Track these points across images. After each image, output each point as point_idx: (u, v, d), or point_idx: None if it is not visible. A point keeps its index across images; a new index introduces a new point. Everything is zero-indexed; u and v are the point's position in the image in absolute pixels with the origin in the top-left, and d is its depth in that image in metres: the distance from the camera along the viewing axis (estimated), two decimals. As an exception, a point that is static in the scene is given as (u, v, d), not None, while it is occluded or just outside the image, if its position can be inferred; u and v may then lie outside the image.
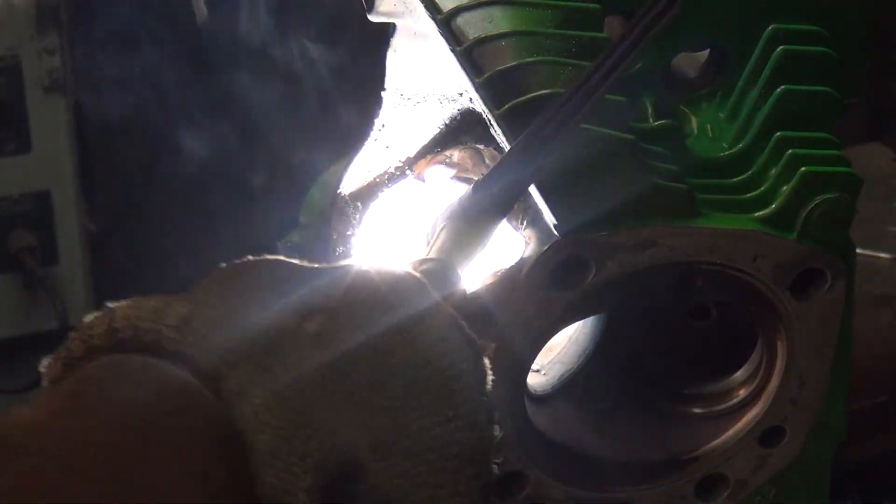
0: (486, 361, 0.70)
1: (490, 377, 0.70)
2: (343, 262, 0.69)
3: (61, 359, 0.60)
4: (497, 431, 0.70)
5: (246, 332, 0.59)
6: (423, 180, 0.98)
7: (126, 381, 0.56)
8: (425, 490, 0.62)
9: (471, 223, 0.77)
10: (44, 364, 0.60)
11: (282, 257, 0.66)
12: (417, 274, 0.70)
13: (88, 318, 0.60)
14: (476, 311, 0.84)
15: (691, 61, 0.97)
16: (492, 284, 0.89)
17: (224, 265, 0.65)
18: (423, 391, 0.64)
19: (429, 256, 0.77)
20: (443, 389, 0.65)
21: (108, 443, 0.53)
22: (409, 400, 0.63)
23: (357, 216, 0.98)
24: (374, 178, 0.99)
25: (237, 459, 0.55)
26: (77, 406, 0.55)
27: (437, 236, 0.78)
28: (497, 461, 0.70)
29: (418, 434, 0.63)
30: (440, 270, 0.74)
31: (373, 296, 0.66)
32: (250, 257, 0.66)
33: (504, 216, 0.78)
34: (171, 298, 0.60)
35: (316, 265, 0.67)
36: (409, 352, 0.65)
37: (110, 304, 0.60)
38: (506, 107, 0.86)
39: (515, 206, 0.91)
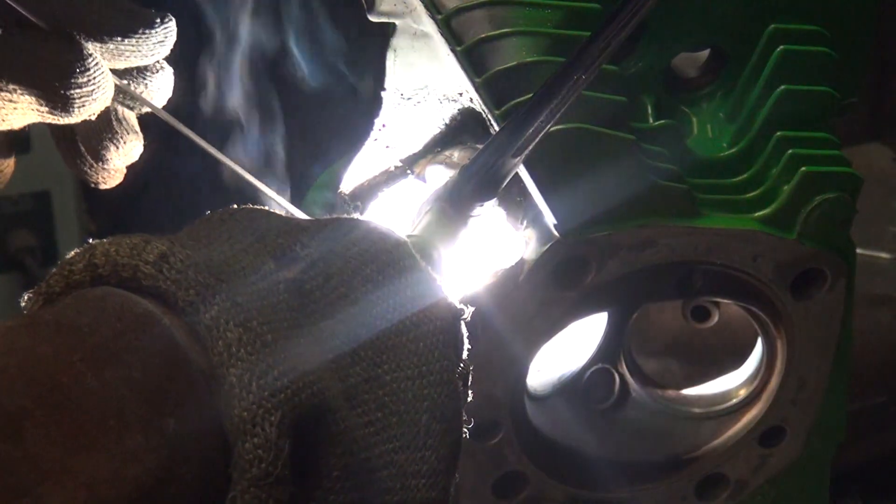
0: (464, 327, 0.71)
1: (466, 343, 0.71)
2: (329, 216, 0.69)
3: (42, 294, 0.60)
4: (469, 396, 0.71)
5: (223, 271, 0.60)
6: (423, 180, 0.98)
7: (85, 307, 0.57)
8: (395, 441, 0.62)
9: (455, 206, 0.77)
10: (25, 298, 0.61)
11: (264, 207, 0.67)
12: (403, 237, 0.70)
13: (70, 254, 0.61)
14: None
15: (691, 61, 0.97)
16: (492, 284, 0.89)
17: (208, 213, 0.66)
18: (398, 345, 0.65)
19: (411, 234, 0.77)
20: (418, 345, 0.65)
21: (52, 357, 0.54)
22: (384, 353, 0.64)
23: (357, 216, 0.98)
24: (374, 178, 0.99)
25: (202, 391, 0.56)
26: (32, 324, 0.56)
27: (422, 217, 0.78)
28: (468, 425, 0.70)
29: (391, 386, 0.63)
30: (419, 244, 0.74)
31: (353, 249, 0.66)
32: (234, 206, 0.67)
33: (490, 199, 0.78)
34: (151, 237, 0.60)
35: (299, 217, 0.67)
36: (387, 307, 0.65)
37: (91, 241, 0.61)
38: (506, 107, 0.86)
39: (515, 206, 0.91)
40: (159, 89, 0.86)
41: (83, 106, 0.79)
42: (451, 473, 0.66)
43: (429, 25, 0.89)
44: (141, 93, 0.84)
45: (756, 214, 0.95)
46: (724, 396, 1.05)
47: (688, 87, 0.97)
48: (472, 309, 0.73)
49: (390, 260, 0.67)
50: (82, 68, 0.78)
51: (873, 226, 1.68)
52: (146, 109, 0.85)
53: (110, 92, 0.81)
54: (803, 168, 0.93)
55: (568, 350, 1.04)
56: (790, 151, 0.94)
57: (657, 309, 1.04)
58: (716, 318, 1.05)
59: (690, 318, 1.06)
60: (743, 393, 1.04)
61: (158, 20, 0.81)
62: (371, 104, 0.99)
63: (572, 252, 0.89)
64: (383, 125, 0.98)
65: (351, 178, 1.00)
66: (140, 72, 0.84)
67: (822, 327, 1.00)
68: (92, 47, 0.79)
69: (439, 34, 0.88)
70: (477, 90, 0.87)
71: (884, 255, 1.67)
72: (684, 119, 0.97)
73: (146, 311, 0.57)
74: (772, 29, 0.93)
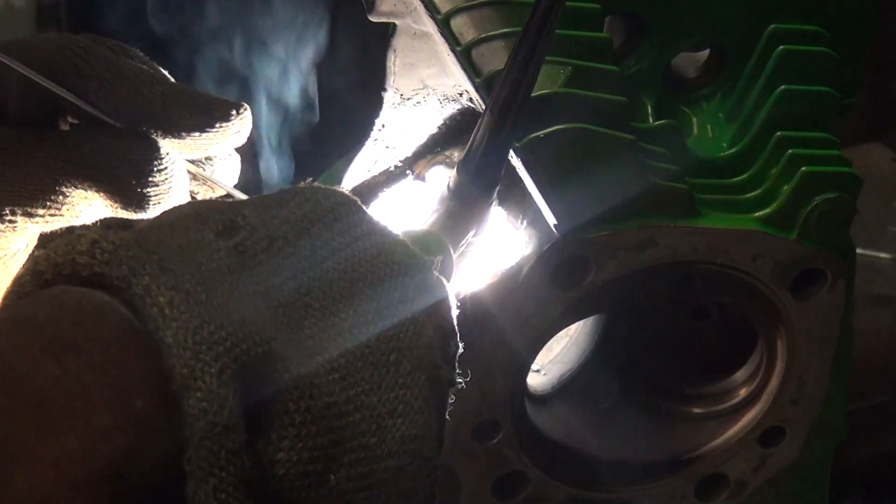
0: (437, 274, 0.70)
1: (453, 301, 0.70)
2: (279, 189, 0.69)
3: None
4: (461, 347, 0.70)
5: (156, 247, 0.60)
6: (423, 180, 0.98)
7: (42, 303, 0.57)
8: (363, 384, 0.62)
9: (461, 202, 0.77)
10: None
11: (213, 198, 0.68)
12: (348, 193, 0.70)
13: (18, 271, 0.61)
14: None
15: (691, 61, 0.97)
16: (492, 284, 0.89)
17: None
18: (353, 292, 0.64)
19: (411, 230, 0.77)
20: (374, 290, 0.65)
21: (11, 350, 0.54)
22: (339, 302, 0.64)
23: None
24: (374, 178, 0.99)
25: (153, 360, 0.56)
26: None
27: (430, 217, 0.78)
28: (459, 373, 0.69)
29: (350, 332, 0.63)
30: (423, 236, 0.74)
31: (297, 213, 0.66)
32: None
33: (493, 190, 0.78)
34: (87, 231, 0.61)
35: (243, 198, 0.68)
36: (337, 259, 0.65)
37: (35, 252, 0.61)
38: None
39: (515, 206, 0.91)
40: (227, 174, 0.86)
41: (158, 203, 0.80)
42: (433, 410, 0.65)
43: (429, 25, 0.89)
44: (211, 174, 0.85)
45: (756, 214, 0.95)
46: (725, 396, 1.05)
47: (688, 87, 0.97)
48: (439, 259, 0.72)
49: (336, 216, 0.67)
50: (159, 166, 0.79)
51: (873, 226, 1.68)
52: (219, 192, 0.86)
53: (186, 187, 0.82)
54: (803, 168, 0.93)
55: (568, 350, 1.04)
56: (790, 151, 0.94)
57: (657, 309, 1.04)
58: (716, 318, 1.05)
59: (690, 318, 1.06)
60: (743, 393, 1.04)
61: (234, 111, 0.81)
62: (371, 104, 0.99)
63: (572, 252, 0.89)
64: (383, 125, 0.98)
65: (351, 178, 0.99)
66: (209, 158, 0.85)
67: (822, 327, 1.00)
68: (169, 143, 0.80)
69: (439, 34, 0.88)
70: (477, 90, 0.87)
71: (884, 255, 1.67)
72: (684, 119, 0.97)
73: (103, 301, 0.57)
74: (772, 29, 0.93)
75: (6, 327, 0.56)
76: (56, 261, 0.59)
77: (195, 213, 0.64)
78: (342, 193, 0.69)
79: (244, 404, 0.57)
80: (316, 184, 0.70)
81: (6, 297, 0.60)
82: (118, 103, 0.78)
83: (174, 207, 0.67)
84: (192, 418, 0.55)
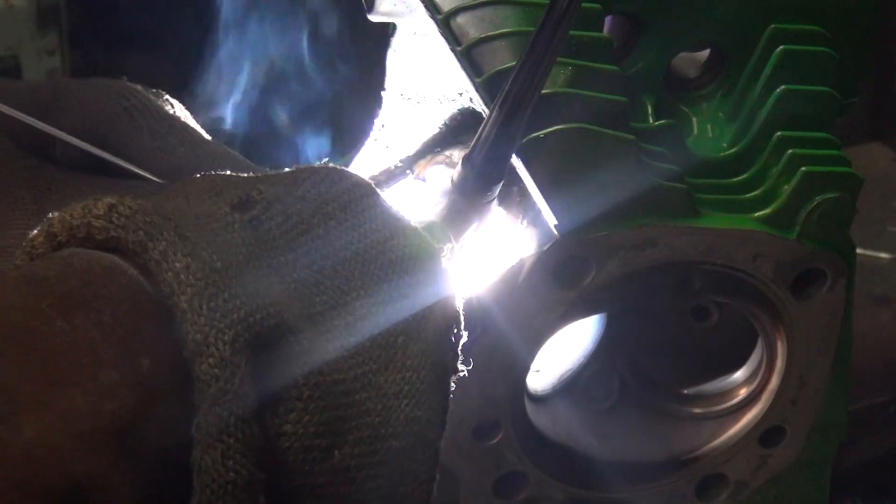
0: (445, 262, 0.70)
1: (455, 285, 0.70)
2: (294, 167, 0.70)
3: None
4: (464, 336, 0.70)
5: (173, 214, 0.60)
6: (423, 180, 0.98)
7: (51, 264, 0.58)
8: (371, 364, 0.62)
9: (464, 195, 0.77)
10: None
11: (227, 172, 0.68)
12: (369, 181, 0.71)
13: (32, 233, 0.62)
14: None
15: (691, 61, 0.97)
16: (492, 284, 0.89)
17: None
18: (364, 274, 0.65)
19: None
20: (385, 272, 0.66)
21: (21, 305, 0.55)
22: (351, 282, 0.64)
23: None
24: (374, 178, 0.99)
25: (163, 324, 0.57)
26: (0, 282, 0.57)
27: (433, 209, 0.79)
28: (462, 361, 0.70)
29: (360, 311, 0.63)
30: (427, 226, 0.74)
31: (313, 191, 0.66)
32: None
33: (496, 185, 0.78)
34: (105, 196, 0.61)
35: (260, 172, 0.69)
36: (350, 239, 0.65)
37: (51, 214, 0.62)
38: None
39: (515, 206, 0.91)
40: None
41: None
42: (438, 395, 0.66)
43: (429, 25, 0.89)
44: None
45: (756, 214, 0.94)
46: (724, 396, 1.05)
47: (688, 87, 0.97)
48: (447, 243, 0.72)
49: (351, 198, 0.67)
50: None
51: (873, 226, 1.68)
52: None
53: None
54: (803, 168, 0.93)
55: (568, 350, 1.04)
56: (790, 151, 0.94)
57: (657, 309, 1.04)
58: (716, 318, 1.05)
59: (690, 318, 1.06)
60: (743, 393, 1.04)
61: None
62: (371, 104, 0.99)
63: (572, 252, 0.89)
64: (383, 125, 0.98)
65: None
66: None
67: (822, 327, 1.00)
68: None
69: (439, 34, 0.88)
70: (477, 90, 0.87)
71: (884, 255, 1.67)
72: (684, 119, 0.97)
73: (113, 262, 0.58)
74: (772, 29, 0.93)
75: (16, 284, 0.56)
76: (71, 223, 0.60)
77: (210, 186, 0.65)
78: (357, 175, 0.70)
79: (254, 375, 0.57)
80: (331, 164, 0.70)
81: (17, 259, 0.61)
82: (167, 157, 0.79)
83: (189, 180, 0.67)
84: (203, 384, 0.55)
